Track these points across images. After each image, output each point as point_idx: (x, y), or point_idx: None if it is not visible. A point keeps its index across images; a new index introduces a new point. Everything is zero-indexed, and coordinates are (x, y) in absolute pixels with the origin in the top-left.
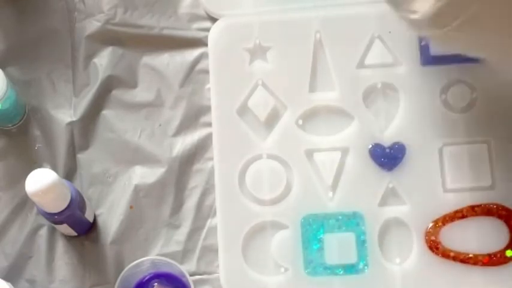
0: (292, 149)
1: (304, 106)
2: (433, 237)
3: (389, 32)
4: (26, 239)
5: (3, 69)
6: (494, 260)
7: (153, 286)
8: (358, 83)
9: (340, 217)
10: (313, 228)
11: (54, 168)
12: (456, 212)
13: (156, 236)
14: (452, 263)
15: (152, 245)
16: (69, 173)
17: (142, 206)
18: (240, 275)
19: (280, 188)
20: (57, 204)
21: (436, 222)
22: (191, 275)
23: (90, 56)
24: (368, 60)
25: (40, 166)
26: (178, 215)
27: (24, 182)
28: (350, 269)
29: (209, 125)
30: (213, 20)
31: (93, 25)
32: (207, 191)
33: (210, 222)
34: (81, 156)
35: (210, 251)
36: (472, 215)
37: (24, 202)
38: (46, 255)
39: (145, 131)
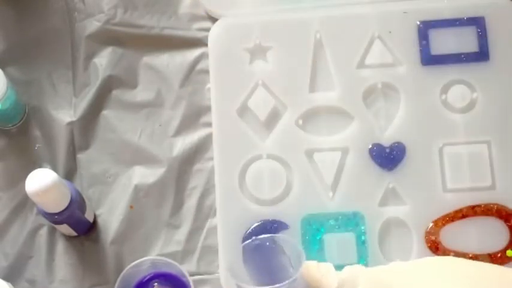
0: (292, 149)
1: (304, 106)
2: (433, 237)
3: (390, 32)
4: (26, 239)
5: (3, 69)
6: (494, 260)
7: (153, 286)
8: (358, 83)
9: (340, 217)
10: (313, 229)
11: (54, 168)
12: (456, 212)
13: (156, 236)
14: None
15: (152, 245)
16: (69, 173)
17: (142, 206)
18: None
19: (280, 188)
20: (57, 204)
21: (436, 222)
22: (191, 275)
23: (90, 56)
24: (368, 60)
25: (40, 166)
26: (178, 215)
27: (24, 182)
28: None
29: (209, 125)
30: (213, 20)
31: (93, 25)
32: (207, 191)
33: (210, 222)
34: (81, 156)
35: (210, 251)
36: (472, 215)
37: (24, 202)
38: (46, 255)
39: (145, 131)
